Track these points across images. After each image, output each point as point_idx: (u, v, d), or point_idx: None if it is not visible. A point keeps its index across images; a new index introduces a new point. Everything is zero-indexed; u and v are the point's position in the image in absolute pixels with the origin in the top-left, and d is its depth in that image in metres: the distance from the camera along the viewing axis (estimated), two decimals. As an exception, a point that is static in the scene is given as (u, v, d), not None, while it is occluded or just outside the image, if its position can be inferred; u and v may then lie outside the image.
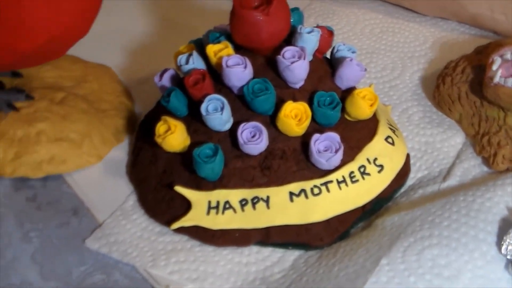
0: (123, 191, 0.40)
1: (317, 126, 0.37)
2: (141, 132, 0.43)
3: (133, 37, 0.53)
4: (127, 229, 0.38)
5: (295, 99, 0.37)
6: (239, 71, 0.36)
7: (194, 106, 0.38)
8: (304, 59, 0.36)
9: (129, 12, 0.56)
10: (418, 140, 0.42)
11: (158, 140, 0.37)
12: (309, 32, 0.38)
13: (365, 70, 0.39)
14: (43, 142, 0.41)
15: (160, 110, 0.41)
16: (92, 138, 0.42)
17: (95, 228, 0.38)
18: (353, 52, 0.40)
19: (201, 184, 0.37)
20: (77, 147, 0.41)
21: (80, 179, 0.41)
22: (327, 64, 0.40)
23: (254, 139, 0.36)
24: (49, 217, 0.39)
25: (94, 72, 0.48)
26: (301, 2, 0.55)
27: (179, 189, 0.37)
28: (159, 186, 0.38)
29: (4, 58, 0.38)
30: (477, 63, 0.42)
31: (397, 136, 0.40)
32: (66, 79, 0.46)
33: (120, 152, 0.43)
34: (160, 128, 0.37)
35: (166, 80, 0.40)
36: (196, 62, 0.38)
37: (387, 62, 0.48)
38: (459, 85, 0.42)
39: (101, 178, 0.41)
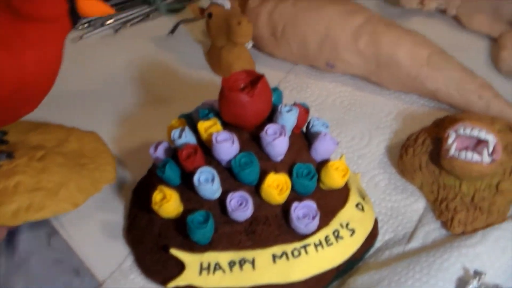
0: (120, 252, 0.44)
1: (295, 195, 0.42)
2: (135, 198, 0.47)
3: (124, 108, 0.58)
4: (126, 288, 0.42)
5: (276, 171, 0.41)
6: (227, 146, 0.41)
7: (186, 176, 0.42)
8: (285, 136, 0.41)
9: (120, 84, 0.61)
10: (385, 205, 0.47)
11: (155, 207, 0.41)
12: (288, 111, 0.43)
13: (337, 143, 0.44)
14: (21, 192, 0.43)
15: (152, 178, 0.46)
16: (68, 186, 0.45)
17: (97, 287, 0.42)
18: (326, 126, 0.45)
19: (193, 247, 0.41)
20: (54, 194, 0.44)
21: (80, 240, 0.45)
22: (303, 138, 0.45)
23: (241, 207, 0.40)
24: (54, 277, 0.43)
25: (77, 135, 0.51)
26: (277, 74, 0.60)
27: (174, 251, 0.41)
28: (155, 248, 0.43)
29: None
30: (435, 136, 0.48)
31: (366, 202, 0.45)
32: (49, 141, 0.49)
33: (116, 216, 0.47)
34: (157, 196, 0.42)
35: (160, 152, 0.44)
36: (188, 137, 0.43)
37: (356, 132, 0.54)
38: (420, 155, 0.48)
39: (100, 240, 0.45)
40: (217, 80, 0.61)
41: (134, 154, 0.53)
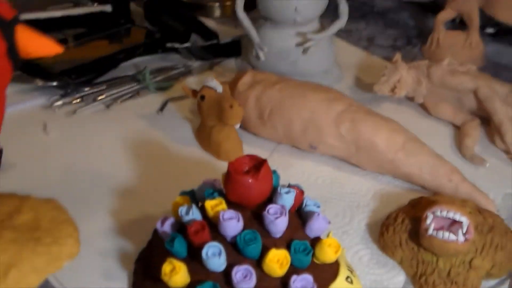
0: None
1: (292, 268, 0.46)
2: (139, 269, 0.51)
3: (120, 181, 0.61)
4: None
5: (276, 247, 0.46)
6: (233, 224, 0.45)
7: (192, 249, 0.46)
8: (285, 215, 0.46)
9: (114, 157, 0.65)
10: (369, 278, 0.51)
11: (165, 278, 0.45)
12: (286, 193, 0.47)
13: (329, 222, 0.49)
14: None
15: (155, 250, 0.49)
16: (19, 267, 0.40)
17: None
18: (318, 206, 0.50)
19: (199, 316, 0.45)
20: (2, 277, 0.38)
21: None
22: (298, 217, 0.49)
23: (246, 279, 0.44)
24: None
25: (31, 204, 0.47)
26: (262, 153, 0.65)
27: (181, 320, 0.44)
28: (161, 317, 0.46)
29: None
30: (413, 216, 0.53)
31: (354, 276, 0.49)
32: None
33: (121, 284, 0.50)
34: (166, 268, 0.45)
35: (167, 227, 0.48)
36: (194, 214, 0.47)
37: (338, 210, 0.59)
38: (400, 233, 0.53)
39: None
40: (206, 156, 0.66)
41: (133, 226, 0.56)
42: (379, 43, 0.92)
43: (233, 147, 0.64)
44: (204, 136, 0.66)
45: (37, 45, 0.37)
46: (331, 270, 0.48)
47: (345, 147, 0.62)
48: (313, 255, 0.47)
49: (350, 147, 0.62)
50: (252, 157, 0.47)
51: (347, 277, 0.48)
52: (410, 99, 0.74)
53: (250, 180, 0.46)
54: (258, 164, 0.47)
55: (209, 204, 0.47)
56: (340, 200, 0.60)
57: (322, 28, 0.77)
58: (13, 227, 0.42)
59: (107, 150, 0.66)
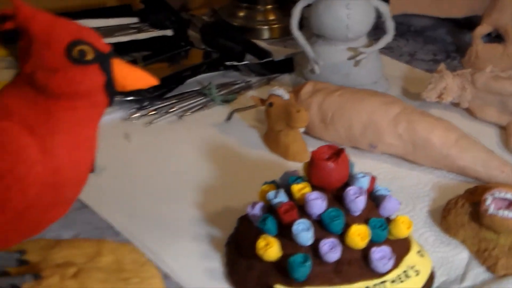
0: (224, 292, 0.54)
1: (370, 242, 0.52)
2: (230, 249, 0.57)
3: (199, 181, 0.68)
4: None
5: (356, 223, 0.52)
6: (319, 203, 0.51)
7: (282, 228, 0.52)
8: (364, 195, 0.52)
9: (190, 161, 0.72)
10: (435, 256, 0.57)
11: (260, 252, 0.51)
12: (362, 177, 0.54)
13: (400, 204, 0.55)
14: None
15: (244, 232, 0.56)
16: None
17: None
18: (388, 191, 0.56)
19: (291, 283, 0.51)
20: None
21: (190, 283, 0.54)
22: (371, 200, 0.56)
23: (332, 251, 0.50)
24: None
25: (109, 247, 0.48)
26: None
27: (279, 286, 0.51)
28: (258, 286, 0.52)
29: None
30: (472, 200, 0.59)
31: (423, 251, 0.55)
32: (77, 257, 0.44)
33: (213, 263, 0.57)
34: (261, 243, 0.51)
35: (257, 210, 0.55)
36: (282, 197, 0.54)
37: (401, 200, 0.64)
38: (461, 216, 0.59)
39: (207, 282, 0.54)
40: (274, 158, 0.72)
41: (217, 216, 0.62)
42: (420, 57, 0.99)
43: (300, 148, 0.71)
44: (272, 139, 0.73)
45: (133, 78, 0.36)
46: (404, 245, 0.54)
47: (403, 145, 0.69)
48: (388, 231, 0.53)
49: (408, 145, 0.68)
50: (330, 147, 0.54)
51: (418, 251, 0.54)
52: (455, 104, 0.80)
53: (331, 165, 0.52)
54: (337, 152, 0.53)
55: (295, 188, 0.53)
56: (401, 193, 0.66)
57: (370, 43, 0.84)
58: (98, 269, 0.42)
59: (184, 154, 0.73)
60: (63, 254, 0.44)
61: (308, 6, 0.83)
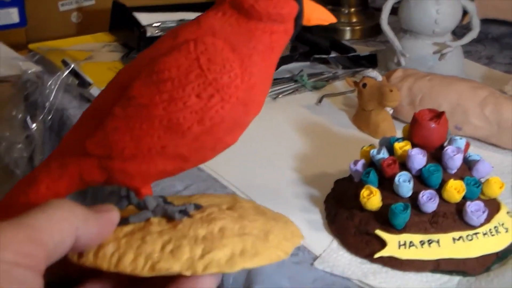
0: (326, 238, 0.58)
1: (464, 199, 0.57)
2: (329, 203, 0.62)
3: (293, 152, 0.74)
4: (338, 259, 0.56)
5: (453, 179, 0.57)
6: (420, 157, 0.56)
7: (383, 181, 0.57)
8: (461, 154, 0.57)
9: (284, 136, 0.77)
10: (522, 221, 0.61)
11: (363, 200, 0.56)
12: (460, 139, 0.59)
13: (492, 167, 0.59)
14: (229, 236, 0.37)
15: (340, 189, 0.61)
16: (275, 234, 0.40)
17: (316, 258, 0.56)
18: (480, 157, 0.61)
19: (390, 230, 0.56)
20: (264, 241, 0.38)
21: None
22: (464, 163, 0.60)
23: (430, 201, 0.55)
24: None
25: (243, 201, 0.45)
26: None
27: (379, 232, 0.56)
28: (357, 233, 0.57)
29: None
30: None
31: (512, 213, 0.59)
32: (219, 203, 0.43)
33: (314, 215, 0.62)
34: (364, 192, 0.57)
35: (359, 166, 0.60)
36: (384, 153, 0.59)
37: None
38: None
39: (309, 231, 0.59)
40: (364, 136, 0.77)
41: (314, 179, 0.68)
42: (498, 61, 1.03)
43: (389, 127, 0.76)
44: (362, 119, 0.78)
45: (318, 13, 0.38)
46: (495, 204, 0.58)
47: (489, 127, 0.73)
48: (481, 190, 0.58)
49: (493, 127, 0.73)
50: (431, 110, 0.59)
51: (508, 212, 0.59)
52: (536, 99, 0.84)
53: (433, 125, 0.57)
54: (438, 114, 0.58)
55: (398, 145, 0.58)
56: (486, 169, 0.70)
57: (454, 40, 0.89)
58: (246, 209, 0.41)
59: (281, 129, 0.79)
60: (203, 200, 0.43)
61: (399, 2, 0.88)
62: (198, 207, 0.39)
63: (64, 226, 0.32)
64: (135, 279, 0.35)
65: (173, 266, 0.35)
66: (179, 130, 0.36)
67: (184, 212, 0.38)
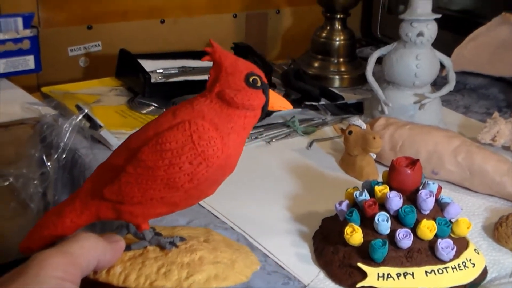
0: (314, 270, 0.66)
1: (436, 237, 0.64)
2: (317, 239, 0.70)
3: (284, 193, 0.81)
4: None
5: (426, 219, 0.64)
6: (397, 200, 0.64)
7: (364, 220, 0.65)
8: (433, 197, 0.64)
9: (276, 177, 0.85)
10: (489, 258, 0.68)
11: (347, 236, 0.64)
12: (433, 183, 0.66)
13: (461, 209, 0.67)
14: (206, 264, 0.49)
15: (329, 225, 0.69)
16: (238, 262, 0.53)
17: (304, 287, 0.63)
18: (451, 200, 0.68)
19: (370, 264, 0.63)
20: (231, 268, 0.51)
21: (287, 262, 0.67)
22: (437, 205, 0.68)
23: (406, 238, 0.63)
24: (274, 280, 0.64)
25: (214, 233, 0.59)
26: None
27: (361, 265, 0.63)
28: (341, 265, 0.64)
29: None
30: (520, 216, 0.71)
31: (479, 251, 0.67)
32: (196, 234, 0.56)
33: (303, 250, 0.69)
34: (348, 230, 0.64)
35: (344, 206, 0.68)
36: (366, 195, 0.66)
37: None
38: (511, 227, 0.70)
39: (298, 263, 0.67)
40: (350, 179, 0.85)
41: (303, 218, 0.75)
42: (474, 110, 1.12)
43: (372, 171, 0.84)
44: (348, 163, 0.86)
45: (279, 102, 0.52)
46: (464, 242, 0.66)
47: (461, 172, 0.81)
48: (451, 230, 0.65)
49: (465, 172, 0.81)
50: (407, 158, 0.67)
51: (475, 249, 0.66)
52: (506, 148, 0.92)
53: (408, 171, 0.65)
54: (412, 162, 0.66)
55: (378, 188, 0.66)
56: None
57: (433, 91, 0.98)
58: (217, 241, 0.54)
59: (273, 170, 0.86)
60: (184, 232, 0.56)
61: (383, 55, 0.97)
62: (182, 239, 0.51)
63: (92, 254, 0.45)
64: None
65: (166, 285, 0.48)
66: (174, 187, 0.49)
67: (173, 244, 0.51)
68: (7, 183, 0.83)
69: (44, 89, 1.04)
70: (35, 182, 0.83)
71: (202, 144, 0.48)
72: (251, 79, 0.50)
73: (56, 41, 1.16)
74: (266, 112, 0.51)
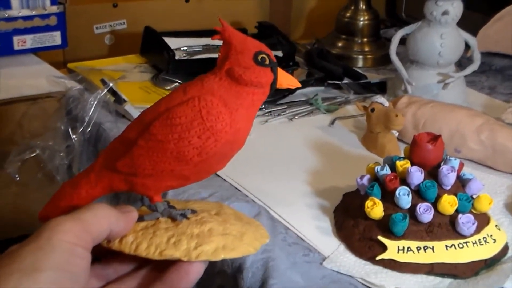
0: (334, 243, 0.66)
1: (457, 212, 0.64)
2: (338, 213, 0.70)
3: (305, 169, 0.82)
4: (345, 260, 0.64)
5: (447, 194, 0.64)
6: (418, 174, 0.64)
7: (385, 194, 0.65)
8: (455, 172, 0.65)
9: (298, 154, 0.86)
10: (509, 235, 0.69)
11: (367, 210, 0.64)
12: (454, 159, 0.66)
13: (483, 186, 0.67)
14: (215, 235, 0.50)
15: (350, 199, 0.69)
16: (248, 235, 0.52)
17: (324, 258, 0.64)
18: (473, 176, 0.68)
19: (390, 237, 0.63)
20: (240, 240, 0.51)
21: (307, 234, 0.67)
22: (458, 181, 0.68)
23: (426, 212, 0.63)
24: (294, 252, 0.65)
25: (227, 207, 0.57)
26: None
27: (381, 238, 0.63)
28: (362, 239, 0.65)
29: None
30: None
31: (501, 227, 0.67)
32: (209, 208, 0.55)
33: (324, 223, 0.70)
34: (369, 203, 0.64)
35: (364, 181, 0.68)
36: (387, 170, 0.67)
37: (480, 194, 0.76)
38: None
39: (319, 236, 0.67)
40: (371, 155, 0.85)
41: (324, 192, 0.76)
42: (499, 91, 1.11)
43: (394, 148, 0.84)
44: (370, 140, 0.86)
45: (287, 80, 0.52)
46: (486, 218, 0.66)
47: (484, 151, 0.81)
48: (472, 205, 0.65)
49: (488, 150, 0.80)
50: (429, 133, 0.67)
51: (496, 225, 0.66)
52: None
53: (430, 146, 0.65)
54: (434, 137, 0.66)
55: (399, 163, 0.66)
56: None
57: (457, 71, 0.97)
58: (228, 214, 0.54)
59: (295, 146, 0.87)
60: (197, 205, 0.57)
61: (407, 34, 0.97)
62: (194, 211, 0.53)
63: (104, 222, 0.46)
64: (146, 260, 0.49)
65: (175, 254, 0.49)
66: (184, 160, 0.50)
67: (184, 215, 0.52)
68: (34, 154, 0.85)
69: (70, 65, 1.06)
70: (61, 154, 0.85)
71: (211, 119, 0.49)
72: (259, 57, 0.50)
73: (82, 19, 1.17)
74: (274, 89, 0.51)
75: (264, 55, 0.51)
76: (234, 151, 0.52)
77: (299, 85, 0.53)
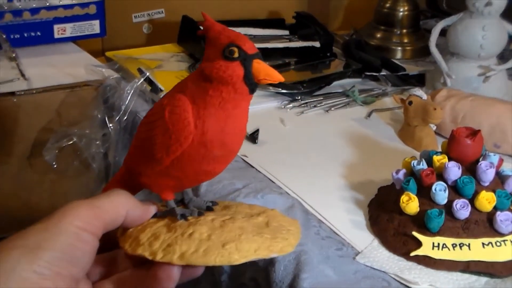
0: (368, 237, 0.66)
1: (495, 209, 0.63)
2: (373, 207, 0.69)
3: (341, 161, 0.81)
4: (378, 255, 0.63)
5: (485, 190, 0.63)
6: (456, 170, 0.63)
7: (421, 189, 0.64)
8: (493, 168, 0.63)
9: (333, 146, 0.85)
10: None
11: (402, 205, 0.63)
12: (494, 155, 0.65)
13: (523, 184, 0.65)
14: (194, 239, 0.47)
15: (385, 192, 0.68)
16: (231, 244, 0.47)
17: (358, 253, 0.63)
18: (513, 172, 0.67)
19: (425, 233, 0.62)
20: (218, 247, 0.47)
21: (341, 229, 0.67)
22: (498, 177, 0.66)
23: (463, 209, 0.62)
24: (327, 246, 0.64)
25: (273, 214, 0.52)
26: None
27: (416, 234, 0.62)
28: (396, 234, 0.64)
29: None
30: None
31: (539, 225, 0.65)
32: (238, 213, 0.52)
33: (358, 217, 0.69)
34: (404, 198, 0.63)
35: (400, 175, 0.67)
36: (423, 165, 0.66)
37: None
38: None
39: (353, 230, 0.67)
40: (408, 149, 0.84)
41: (359, 185, 0.75)
42: (542, 84, 1.08)
43: (432, 142, 0.83)
44: (407, 134, 0.85)
45: (266, 74, 0.47)
46: (524, 215, 0.64)
47: (525, 146, 0.79)
48: (511, 203, 0.64)
49: (529, 146, 0.79)
50: (468, 128, 0.66)
51: (535, 223, 0.65)
52: None
53: (469, 141, 0.64)
54: (473, 132, 0.65)
55: (436, 158, 0.65)
56: (520, 185, 0.76)
57: (499, 63, 0.95)
58: (247, 221, 0.50)
59: (330, 138, 0.86)
60: (240, 209, 0.52)
61: (447, 26, 0.95)
62: (200, 213, 0.50)
63: (120, 209, 0.47)
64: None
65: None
66: (155, 159, 0.49)
67: (183, 216, 0.50)
68: (71, 142, 0.86)
69: (108, 54, 1.06)
70: (97, 142, 0.85)
71: (172, 118, 0.47)
72: (227, 51, 0.46)
73: (120, 8, 1.18)
74: (255, 84, 0.47)
75: (233, 48, 0.46)
76: (217, 152, 0.48)
77: (282, 79, 0.47)
